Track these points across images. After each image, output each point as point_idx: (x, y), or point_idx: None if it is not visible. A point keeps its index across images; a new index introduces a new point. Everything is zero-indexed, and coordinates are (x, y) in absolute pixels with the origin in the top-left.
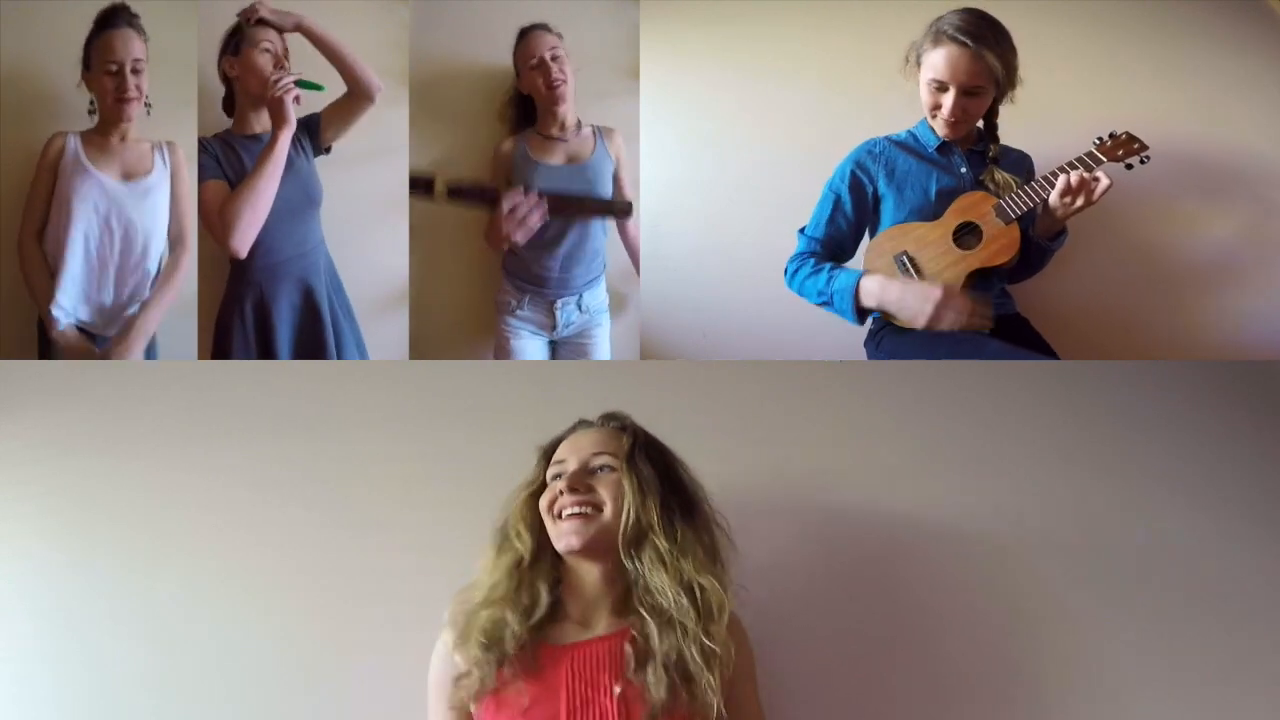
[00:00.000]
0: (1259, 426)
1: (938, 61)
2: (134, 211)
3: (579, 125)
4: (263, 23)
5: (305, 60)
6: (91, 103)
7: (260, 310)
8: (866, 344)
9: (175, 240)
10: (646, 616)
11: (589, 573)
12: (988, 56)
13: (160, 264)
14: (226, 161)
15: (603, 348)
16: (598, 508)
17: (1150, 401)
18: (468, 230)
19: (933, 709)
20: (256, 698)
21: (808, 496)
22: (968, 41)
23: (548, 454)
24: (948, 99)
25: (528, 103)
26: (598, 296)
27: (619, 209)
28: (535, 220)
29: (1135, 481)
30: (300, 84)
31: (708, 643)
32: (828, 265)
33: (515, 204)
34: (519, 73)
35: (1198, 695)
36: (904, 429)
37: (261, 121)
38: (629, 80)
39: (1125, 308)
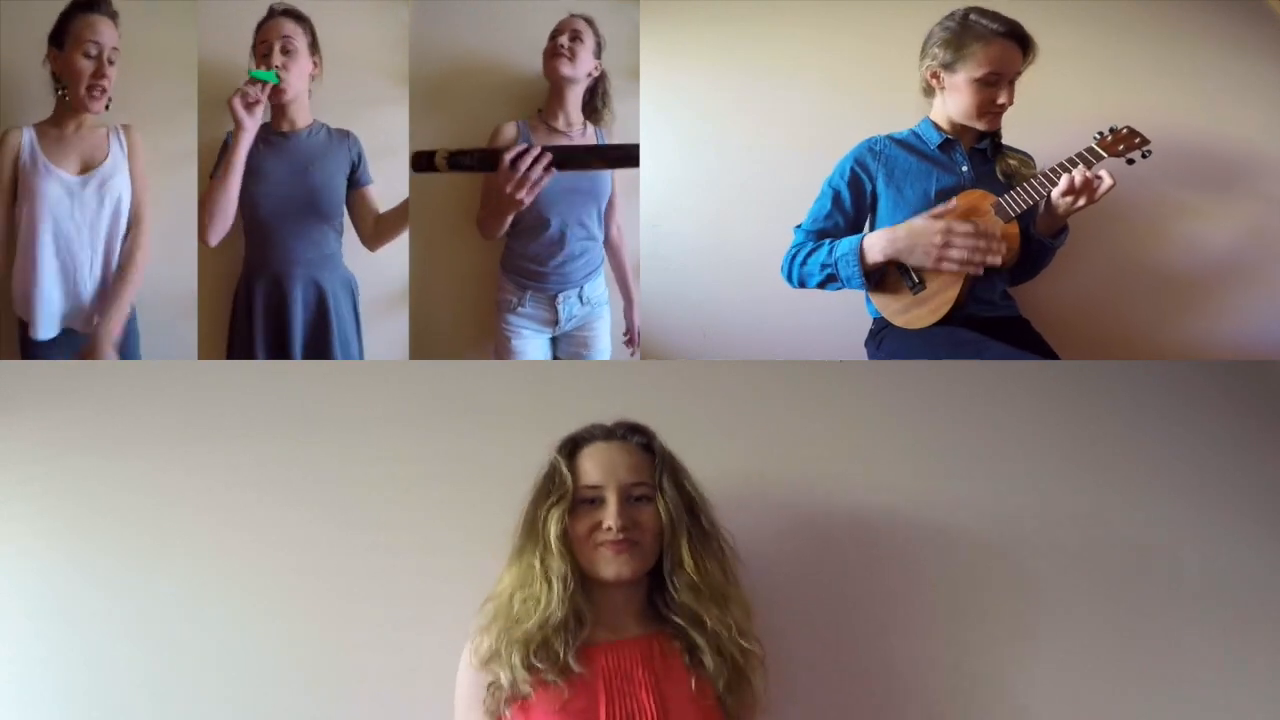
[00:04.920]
0: (1259, 426)
1: (992, 56)
2: (94, 203)
3: (584, 125)
4: None
5: None
6: (59, 83)
7: (248, 299)
8: (867, 344)
9: (134, 220)
10: (682, 622)
11: (617, 590)
12: (1030, 46)
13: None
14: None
15: (603, 340)
16: (639, 542)
17: (1150, 401)
18: (468, 230)
19: (932, 706)
20: (256, 697)
21: (807, 496)
22: (1013, 34)
23: (568, 457)
24: (1003, 89)
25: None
26: (598, 288)
27: (628, 156)
28: (540, 174)
29: (1135, 481)
30: (254, 75)
31: (744, 644)
32: (827, 240)
33: (517, 156)
34: (545, 54)
35: (1197, 694)
36: (904, 429)
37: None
38: (629, 80)
39: (1126, 308)
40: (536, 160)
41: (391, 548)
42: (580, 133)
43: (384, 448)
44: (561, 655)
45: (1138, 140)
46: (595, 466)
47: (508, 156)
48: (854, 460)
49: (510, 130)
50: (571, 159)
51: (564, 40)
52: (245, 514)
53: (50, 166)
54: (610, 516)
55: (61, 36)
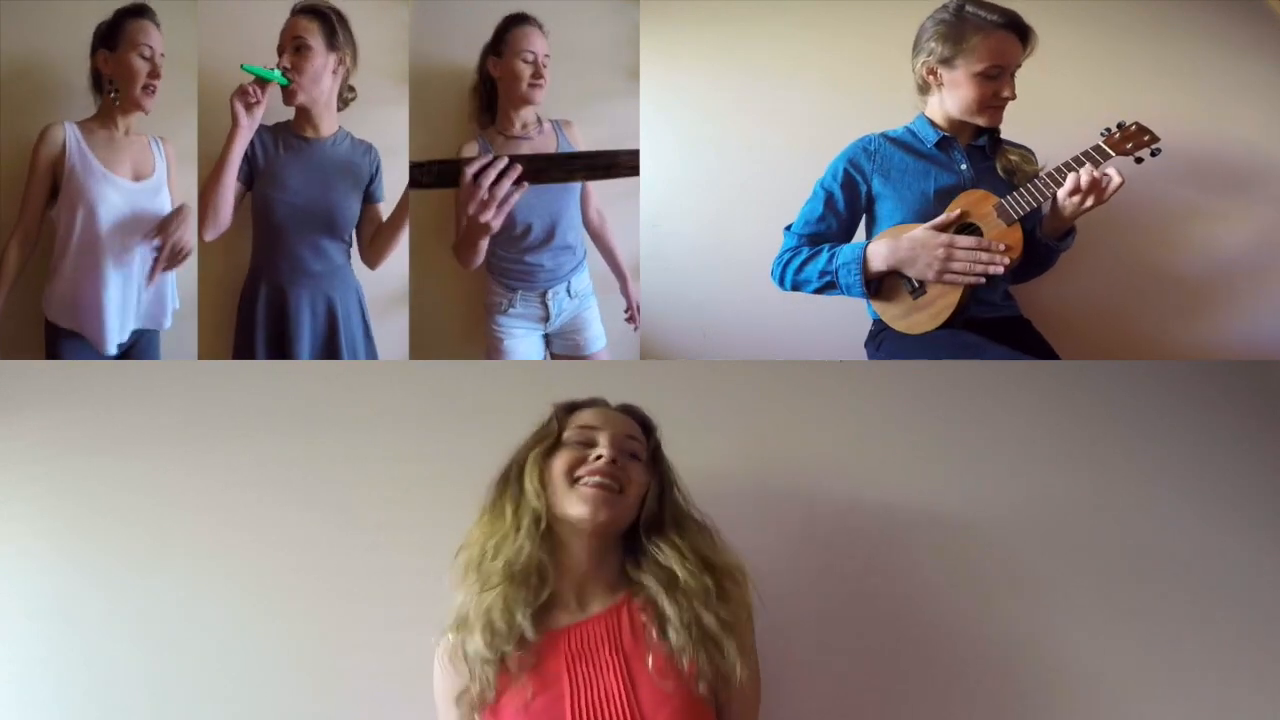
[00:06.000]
0: (1259, 426)
1: (993, 48)
2: (150, 213)
3: (539, 121)
4: None
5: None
6: (111, 82)
7: (253, 305)
8: (866, 345)
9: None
10: (649, 583)
11: (580, 548)
12: (1030, 36)
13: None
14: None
15: (595, 327)
16: (623, 488)
17: (1150, 401)
18: None
19: (932, 705)
20: (256, 698)
21: (807, 496)
22: (1012, 24)
23: (566, 411)
24: (1006, 83)
25: (491, 93)
26: (583, 280)
27: (623, 162)
28: (507, 189)
29: (1135, 481)
30: (251, 71)
31: (723, 613)
32: (826, 246)
33: (479, 171)
34: (501, 54)
35: (1197, 694)
36: (904, 429)
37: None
38: (629, 80)
39: (1128, 309)
40: (503, 174)
41: (391, 548)
42: (538, 130)
43: (384, 448)
44: (518, 618)
45: (1147, 137)
46: (594, 415)
47: (469, 171)
48: (854, 460)
49: (472, 149)
50: (551, 169)
51: (541, 69)
52: (245, 514)
53: (104, 170)
54: (604, 446)
55: (113, 39)
